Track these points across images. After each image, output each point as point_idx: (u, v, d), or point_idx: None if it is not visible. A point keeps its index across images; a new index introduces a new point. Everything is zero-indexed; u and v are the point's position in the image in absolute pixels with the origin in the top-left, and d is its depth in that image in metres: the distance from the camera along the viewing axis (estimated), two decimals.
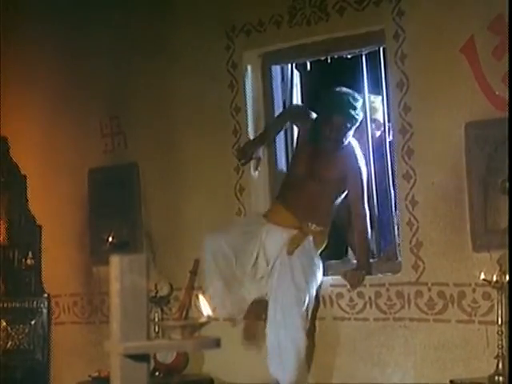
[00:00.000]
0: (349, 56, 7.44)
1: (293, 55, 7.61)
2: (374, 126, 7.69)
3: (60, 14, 8.59)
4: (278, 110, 7.90)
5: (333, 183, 7.56)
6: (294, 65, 7.78)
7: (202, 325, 3.18)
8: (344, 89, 7.35)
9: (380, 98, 7.56)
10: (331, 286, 7.46)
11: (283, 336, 7.38)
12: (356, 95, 7.32)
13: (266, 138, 7.88)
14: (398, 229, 7.32)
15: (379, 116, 7.69)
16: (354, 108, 7.33)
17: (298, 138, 7.82)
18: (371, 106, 7.62)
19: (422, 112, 6.96)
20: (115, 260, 2.94)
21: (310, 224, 7.55)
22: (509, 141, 3.20)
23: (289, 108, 7.98)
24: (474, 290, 6.70)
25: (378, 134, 7.74)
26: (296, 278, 7.46)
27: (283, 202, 7.68)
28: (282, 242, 7.56)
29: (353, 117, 7.34)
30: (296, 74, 7.79)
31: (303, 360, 7.37)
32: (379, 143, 7.51)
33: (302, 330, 7.37)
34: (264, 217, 7.63)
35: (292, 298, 7.36)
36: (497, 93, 6.58)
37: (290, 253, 7.45)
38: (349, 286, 7.40)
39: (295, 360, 7.37)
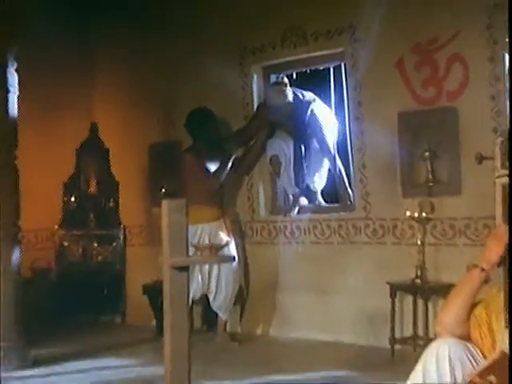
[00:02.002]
0: (321, 68, 7.61)
1: (284, 68, 7.72)
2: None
3: (133, 38, 8.53)
4: None
5: None
6: (284, 74, 7.77)
7: (222, 247, 3.45)
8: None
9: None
10: (310, 220, 7.50)
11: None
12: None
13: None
14: (354, 184, 7.37)
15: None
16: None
17: None
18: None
19: (369, 105, 7.11)
20: (165, 203, 3.20)
21: None
22: (509, 141, 3.17)
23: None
24: (402, 223, 6.91)
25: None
26: None
27: None
28: None
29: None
30: (286, 80, 7.65)
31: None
32: (343, 128, 7.48)
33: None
34: None
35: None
36: (417, 93, 6.79)
37: None
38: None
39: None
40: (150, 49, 8.40)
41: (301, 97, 7.40)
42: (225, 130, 7.80)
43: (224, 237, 7.22)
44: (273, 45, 7.54)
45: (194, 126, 7.48)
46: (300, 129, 7.49)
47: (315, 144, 7.46)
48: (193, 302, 7.16)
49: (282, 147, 7.56)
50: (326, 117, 7.42)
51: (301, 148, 7.66)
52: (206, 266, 7.15)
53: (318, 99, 7.45)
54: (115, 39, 8.72)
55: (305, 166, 7.64)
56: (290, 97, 7.32)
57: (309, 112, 7.35)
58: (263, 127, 7.61)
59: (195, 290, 7.17)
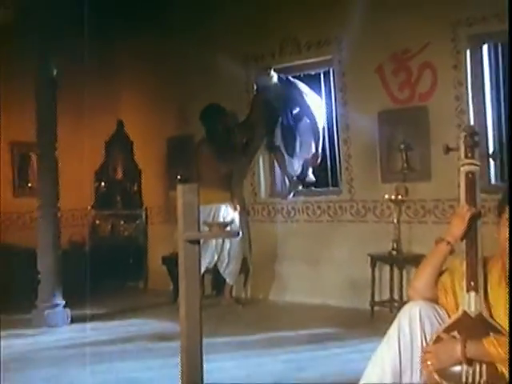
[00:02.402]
0: (313, 73, 7.56)
1: (281, 72, 7.39)
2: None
3: (152, 46, 8.46)
4: None
5: None
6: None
7: (229, 224, 3.44)
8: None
9: None
10: (303, 202, 7.49)
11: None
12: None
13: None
14: (341, 171, 7.32)
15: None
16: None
17: None
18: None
19: (354, 105, 7.05)
20: (180, 187, 3.21)
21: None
22: (509, 140, 3.13)
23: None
24: (381, 204, 6.90)
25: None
26: None
27: None
28: None
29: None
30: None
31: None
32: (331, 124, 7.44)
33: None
34: None
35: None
36: (394, 95, 6.77)
37: None
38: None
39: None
40: (168, 57, 8.32)
41: (284, 78, 7.29)
42: (233, 123, 7.71)
43: (231, 215, 7.26)
44: (272, 53, 7.47)
45: (207, 119, 7.46)
46: (288, 106, 7.36)
47: (305, 120, 7.33)
48: (206, 270, 7.13)
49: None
50: (314, 99, 7.31)
51: (290, 126, 7.42)
52: (219, 241, 7.14)
53: (301, 83, 7.34)
54: (138, 48, 8.63)
55: (297, 144, 7.48)
56: (275, 78, 7.19)
57: (293, 90, 7.24)
58: (261, 118, 7.53)
59: (210, 261, 7.18)
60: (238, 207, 7.44)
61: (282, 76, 7.31)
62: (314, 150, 7.33)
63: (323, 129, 7.36)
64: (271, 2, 7.33)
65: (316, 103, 7.32)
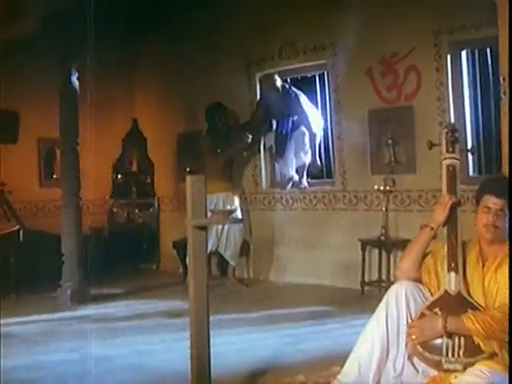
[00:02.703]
0: (309, 75, 7.53)
1: (280, 75, 7.38)
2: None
3: (164, 50, 8.41)
4: None
5: None
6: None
7: (233, 211, 3.45)
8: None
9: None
10: (300, 192, 7.46)
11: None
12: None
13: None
14: (334, 164, 7.31)
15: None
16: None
17: None
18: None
19: (346, 104, 7.06)
20: (189, 178, 3.24)
21: None
22: (509, 139, 3.14)
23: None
24: (371, 194, 6.88)
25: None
26: None
27: None
28: None
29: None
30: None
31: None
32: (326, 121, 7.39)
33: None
34: None
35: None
36: (383, 95, 6.76)
37: None
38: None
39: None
40: (177, 60, 8.30)
41: (287, 87, 7.22)
42: (234, 120, 7.69)
43: (234, 203, 7.26)
44: (272, 57, 7.47)
45: (208, 117, 7.45)
46: (286, 113, 7.24)
47: (302, 129, 7.22)
48: (210, 253, 7.08)
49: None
50: (311, 110, 7.23)
51: (286, 132, 7.28)
52: (220, 226, 7.12)
53: (303, 95, 7.24)
54: (150, 52, 8.64)
55: (289, 149, 7.31)
56: (279, 83, 7.13)
57: (294, 100, 7.14)
58: (262, 121, 7.48)
59: (212, 245, 7.13)
60: (238, 196, 7.44)
61: (286, 85, 7.26)
62: (310, 159, 7.27)
63: (321, 135, 7.30)
64: (271, 10, 7.26)
65: (315, 115, 7.23)
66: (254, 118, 7.55)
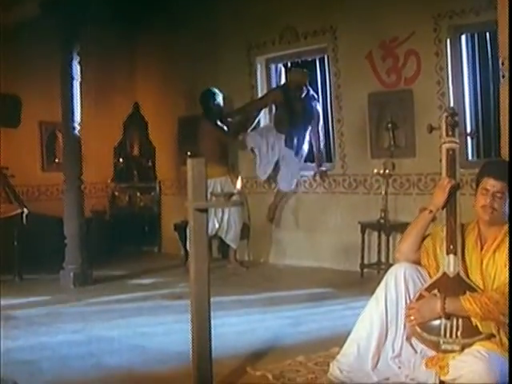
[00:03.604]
0: (309, 59, 7.49)
1: (281, 59, 7.64)
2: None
3: (164, 35, 8.39)
4: (273, 85, 7.70)
5: None
6: (281, 64, 7.75)
7: (234, 194, 3.44)
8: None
9: None
10: (300, 176, 7.41)
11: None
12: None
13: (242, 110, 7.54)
14: (334, 148, 7.30)
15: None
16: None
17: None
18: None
19: (346, 88, 7.04)
20: (189, 161, 3.19)
21: None
22: (509, 135, 3.13)
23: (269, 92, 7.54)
24: (371, 178, 6.90)
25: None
26: None
27: None
28: None
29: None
30: (282, 68, 7.76)
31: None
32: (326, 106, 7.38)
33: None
34: None
35: None
36: (383, 79, 6.75)
37: None
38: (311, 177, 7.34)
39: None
40: (179, 44, 8.27)
41: (312, 92, 7.18)
42: (229, 104, 7.65)
43: (236, 186, 7.25)
44: (272, 41, 7.45)
45: (203, 101, 7.40)
46: (301, 114, 7.11)
47: (302, 148, 7.19)
48: (211, 237, 7.08)
49: (259, 142, 7.31)
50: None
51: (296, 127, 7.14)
52: (219, 210, 7.08)
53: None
54: (152, 37, 8.60)
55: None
56: (307, 79, 7.08)
57: (313, 104, 7.13)
58: (262, 106, 7.48)
59: (211, 228, 7.03)
60: (234, 180, 7.40)
61: (313, 93, 7.18)
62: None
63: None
64: None
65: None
66: (256, 103, 7.50)
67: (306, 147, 7.23)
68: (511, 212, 3.09)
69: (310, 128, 7.19)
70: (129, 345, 4.29)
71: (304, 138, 7.18)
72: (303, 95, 7.07)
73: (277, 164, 7.31)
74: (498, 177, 3.08)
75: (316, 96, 7.23)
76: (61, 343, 4.35)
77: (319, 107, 7.24)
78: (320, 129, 7.23)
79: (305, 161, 7.39)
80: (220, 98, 7.37)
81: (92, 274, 6.54)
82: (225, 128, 7.42)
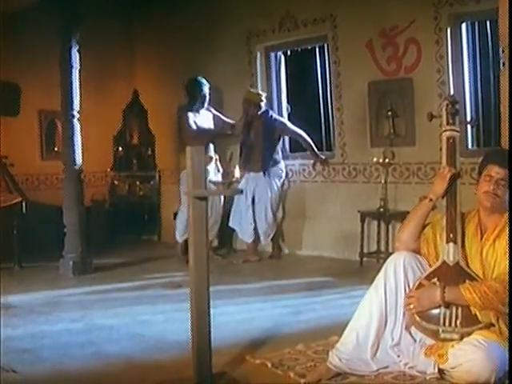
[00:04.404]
0: (309, 47, 7.46)
1: (280, 47, 7.59)
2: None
3: (164, 22, 8.35)
4: (273, 74, 7.68)
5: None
6: (281, 52, 7.69)
7: (233, 182, 3.37)
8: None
9: None
10: (300, 165, 7.46)
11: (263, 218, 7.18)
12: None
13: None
14: (334, 137, 7.25)
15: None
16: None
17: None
18: None
19: (346, 76, 7.01)
20: (188, 149, 3.14)
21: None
22: (509, 124, 3.14)
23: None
24: (370, 166, 6.89)
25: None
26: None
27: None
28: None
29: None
30: (282, 57, 7.71)
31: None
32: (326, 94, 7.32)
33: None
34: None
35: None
36: (383, 67, 6.73)
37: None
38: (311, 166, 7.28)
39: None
40: (178, 31, 8.22)
41: (271, 112, 7.20)
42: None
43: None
44: (272, 29, 7.42)
45: (189, 90, 7.29)
46: (261, 129, 7.09)
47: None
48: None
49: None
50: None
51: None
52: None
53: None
54: (151, 24, 8.57)
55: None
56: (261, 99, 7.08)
57: (274, 118, 7.15)
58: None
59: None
60: (221, 169, 7.37)
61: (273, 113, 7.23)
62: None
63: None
64: None
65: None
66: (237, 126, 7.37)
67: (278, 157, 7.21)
68: (511, 201, 3.09)
69: (279, 140, 7.18)
70: (128, 333, 4.29)
71: (272, 153, 7.14)
72: (260, 113, 7.07)
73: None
74: (503, 164, 3.09)
75: (275, 116, 7.21)
76: (60, 332, 4.35)
77: (282, 119, 7.26)
78: (293, 129, 7.16)
79: (305, 150, 7.32)
80: (206, 89, 7.27)
81: (91, 263, 6.54)
82: (209, 116, 7.33)
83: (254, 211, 7.18)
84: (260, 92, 7.25)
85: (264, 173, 7.10)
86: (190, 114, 7.19)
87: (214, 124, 7.39)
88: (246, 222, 7.20)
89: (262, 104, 7.13)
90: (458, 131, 3.30)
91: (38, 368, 3.59)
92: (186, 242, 6.88)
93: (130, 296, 5.50)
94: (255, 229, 7.22)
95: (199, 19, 7.95)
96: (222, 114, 7.50)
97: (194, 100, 7.26)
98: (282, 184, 7.31)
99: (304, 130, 7.18)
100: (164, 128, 8.62)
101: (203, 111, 7.31)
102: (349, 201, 6.98)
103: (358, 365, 3.19)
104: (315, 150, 7.14)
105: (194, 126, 7.15)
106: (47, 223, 7.15)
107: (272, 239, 7.30)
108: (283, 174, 7.28)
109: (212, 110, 7.44)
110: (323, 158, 7.14)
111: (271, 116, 7.19)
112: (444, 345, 3.02)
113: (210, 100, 7.35)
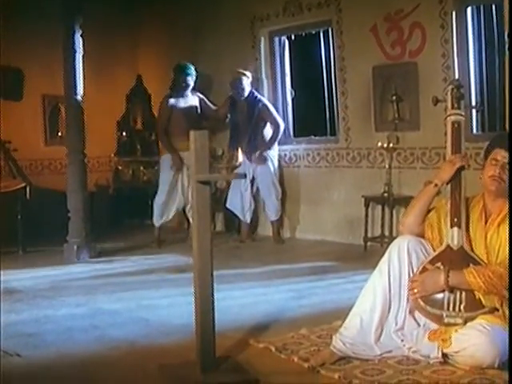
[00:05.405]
0: (313, 32, 7.41)
1: (285, 31, 7.54)
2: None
3: (168, 6, 8.28)
4: (277, 58, 7.66)
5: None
6: (285, 36, 7.65)
7: (236, 167, 3.39)
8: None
9: None
10: (304, 149, 7.43)
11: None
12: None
13: None
14: (338, 121, 7.20)
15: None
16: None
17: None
18: None
19: (350, 60, 6.93)
20: (192, 133, 3.12)
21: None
22: (510, 124, 3.14)
23: None
24: (375, 151, 6.85)
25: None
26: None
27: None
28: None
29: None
30: (286, 41, 7.67)
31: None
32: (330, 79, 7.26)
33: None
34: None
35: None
36: (387, 51, 6.68)
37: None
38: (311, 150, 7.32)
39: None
40: (181, 16, 8.20)
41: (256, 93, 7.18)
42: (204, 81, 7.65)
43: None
44: (276, 14, 7.35)
45: (174, 75, 7.30)
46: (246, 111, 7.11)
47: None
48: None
49: None
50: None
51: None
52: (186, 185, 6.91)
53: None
54: (154, 9, 8.52)
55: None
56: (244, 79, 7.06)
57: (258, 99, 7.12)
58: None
59: (178, 204, 7.17)
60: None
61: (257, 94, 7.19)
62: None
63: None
64: None
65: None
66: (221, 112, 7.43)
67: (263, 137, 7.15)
68: (511, 188, 3.07)
69: (265, 124, 7.15)
70: (132, 318, 4.30)
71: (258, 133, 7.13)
72: (246, 95, 7.07)
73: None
74: (510, 149, 3.08)
75: (260, 97, 7.18)
76: (64, 316, 4.37)
77: (267, 102, 7.19)
78: (274, 116, 7.12)
79: (309, 134, 7.33)
80: (190, 74, 7.21)
81: (95, 248, 6.55)
82: (196, 101, 7.31)
83: (252, 191, 7.19)
84: (246, 72, 7.18)
85: (251, 153, 7.05)
86: (171, 100, 7.21)
87: (201, 107, 7.39)
88: (246, 203, 7.20)
89: (247, 83, 7.13)
90: (463, 115, 3.29)
91: (43, 352, 3.60)
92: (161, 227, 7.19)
93: (134, 280, 5.52)
94: (254, 210, 7.29)
95: (203, 4, 7.90)
96: (209, 100, 7.49)
97: (178, 85, 7.25)
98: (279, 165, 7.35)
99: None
100: None
101: (190, 96, 7.31)
102: (353, 185, 6.96)
103: (362, 349, 3.19)
104: (270, 142, 7.12)
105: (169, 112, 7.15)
106: (51, 208, 7.16)
107: (277, 221, 7.31)
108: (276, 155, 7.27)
109: (199, 94, 7.42)
110: (265, 155, 7.04)
111: (256, 97, 7.18)
112: (448, 329, 3.03)
113: (195, 84, 7.30)
